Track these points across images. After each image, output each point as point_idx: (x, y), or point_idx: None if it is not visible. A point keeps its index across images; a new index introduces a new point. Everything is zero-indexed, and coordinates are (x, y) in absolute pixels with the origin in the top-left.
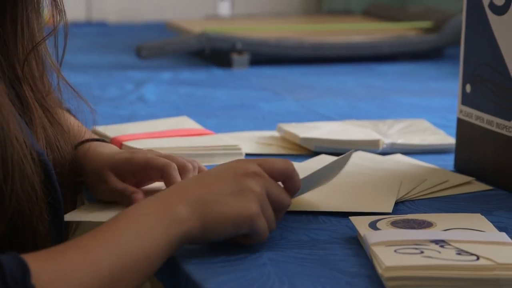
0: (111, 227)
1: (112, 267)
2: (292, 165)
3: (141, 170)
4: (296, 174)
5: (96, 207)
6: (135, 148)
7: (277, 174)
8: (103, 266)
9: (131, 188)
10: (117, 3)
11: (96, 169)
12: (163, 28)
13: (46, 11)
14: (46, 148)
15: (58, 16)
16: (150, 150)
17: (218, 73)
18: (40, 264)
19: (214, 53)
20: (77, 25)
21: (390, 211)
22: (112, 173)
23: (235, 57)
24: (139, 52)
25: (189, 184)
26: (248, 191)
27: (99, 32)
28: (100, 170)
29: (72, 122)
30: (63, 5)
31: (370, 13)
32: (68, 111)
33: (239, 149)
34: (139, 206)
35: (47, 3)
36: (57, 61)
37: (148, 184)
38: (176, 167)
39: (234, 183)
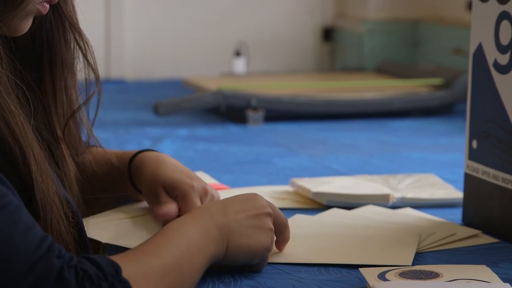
0: (164, 240)
1: (175, 268)
2: (287, 221)
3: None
4: (288, 230)
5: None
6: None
7: (278, 223)
8: (169, 268)
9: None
10: (134, 61)
11: (150, 187)
12: (180, 85)
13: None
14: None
15: (91, 73)
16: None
17: (233, 129)
18: (125, 264)
19: (229, 110)
20: (91, 81)
21: (410, 263)
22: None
23: (250, 113)
24: (156, 109)
25: (215, 210)
26: (265, 227)
27: (118, 89)
28: (153, 188)
29: (109, 151)
30: (96, 63)
31: (383, 71)
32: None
33: None
34: (181, 225)
35: (80, 61)
36: (87, 116)
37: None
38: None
39: (255, 218)
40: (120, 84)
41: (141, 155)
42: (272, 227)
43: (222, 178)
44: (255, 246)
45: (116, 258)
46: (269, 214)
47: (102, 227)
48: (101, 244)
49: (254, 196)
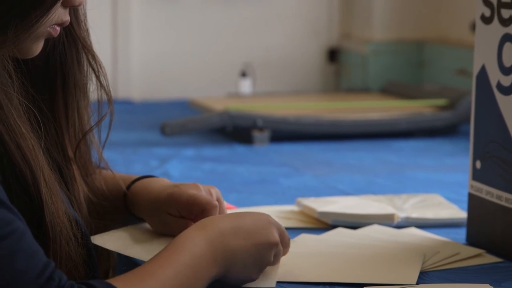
0: (168, 258)
1: None
2: (289, 241)
3: (185, 207)
4: (287, 249)
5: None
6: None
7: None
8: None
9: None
10: (142, 82)
11: (149, 209)
12: (187, 106)
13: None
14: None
15: (103, 94)
16: (194, 184)
17: (239, 149)
18: None
19: (235, 130)
20: (103, 102)
21: (415, 282)
22: (168, 214)
23: (256, 134)
24: (163, 130)
25: (227, 231)
26: (264, 263)
27: (125, 110)
28: (154, 210)
29: (118, 175)
30: (109, 85)
31: (388, 91)
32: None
33: None
34: (190, 241)
35: (92, 82)
36: (98, 137)
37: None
38: (217, 206)
39: (259, 254)
40: (127, 105)
41: (140, 182)
42: (272, 259)
43: (229, 197)
44: (248, 279)
45: (117, 282)
46: (275, 246)
47: (110, 235)
48: (111, 264)
49: (268, 224)
